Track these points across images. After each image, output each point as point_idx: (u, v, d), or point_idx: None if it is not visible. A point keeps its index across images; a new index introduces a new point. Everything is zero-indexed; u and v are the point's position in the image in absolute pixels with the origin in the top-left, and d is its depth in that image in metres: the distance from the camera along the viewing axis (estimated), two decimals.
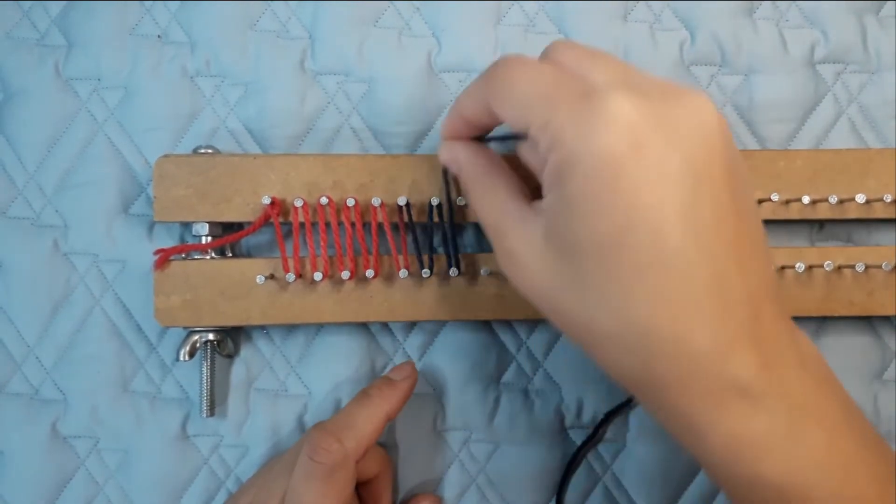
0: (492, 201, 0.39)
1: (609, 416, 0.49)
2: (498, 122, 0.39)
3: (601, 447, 0.50)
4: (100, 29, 0.50)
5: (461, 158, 0.41)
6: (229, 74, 0.51)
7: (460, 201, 0.46)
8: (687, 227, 0.31)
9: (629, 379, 0.34)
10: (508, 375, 0.50)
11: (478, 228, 0.50)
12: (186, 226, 0.49)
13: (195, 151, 0.47)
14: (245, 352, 0.50)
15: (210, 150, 0.47)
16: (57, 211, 0.50)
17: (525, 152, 0.39)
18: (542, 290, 0.35)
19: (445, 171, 0.45)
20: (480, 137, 0.42)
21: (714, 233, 0.32)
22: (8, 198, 0.50)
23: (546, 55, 0.37)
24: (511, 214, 0.37)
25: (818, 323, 0.50)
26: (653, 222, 0.31)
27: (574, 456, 0.49)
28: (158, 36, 0.51)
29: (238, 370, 0.50)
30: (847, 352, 0.50)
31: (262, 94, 0.50)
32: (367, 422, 0.43)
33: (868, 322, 0.50)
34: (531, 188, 0.39)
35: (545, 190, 0.34)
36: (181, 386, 0.50)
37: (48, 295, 0.50)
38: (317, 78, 0.51)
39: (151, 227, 0.50)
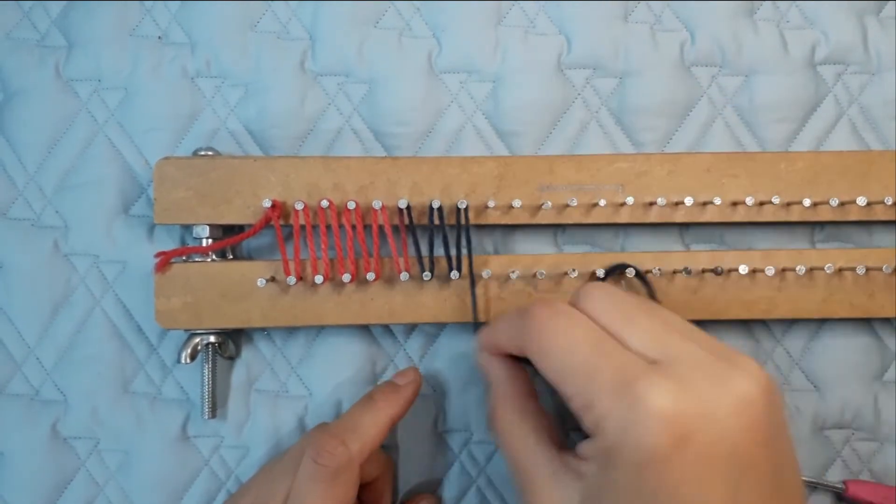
0: (522, 443, 0.39)
1: None
2: None
3: None
4: (100, 30, 0.50)
5: (494, 380, 0.42)
6: (229, 75, 0.51)
7: (461, 204, 0.45)
8: None
9: None
10: None
11: (477, 231, 0.49)
12: (187, 227, 0.49)
13: (195, 153, 0.47)
14: (246, 353, 0.50)
15: (210, 152, 0.47)
16: (57, 212, 0.50)
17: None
18: None
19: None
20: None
21: None
22: (8, 199, 0.50)
23: (580, 301, 0.37)
24: (543, 466, 0.37)
25: (819, 323, 0.50)
26: None
27: None
28: (159, 37, 0.51)
29: (239, 371, 0.50)
30: (847, 353, 0.50)
31: (263, 94, 0.50)
32: (371, 425, 0.43)
33: (868, 323, 0.50)
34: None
35: (585, 453, 0.34)
36: (181, 387, 0.50)
37: (48, 296, 0.50)
38: (317, 79, 0.51)
39: (152, 227, 0.50)
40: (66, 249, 0.50)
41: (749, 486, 0.31)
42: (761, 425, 0.32)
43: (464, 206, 0.45)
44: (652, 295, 0.46)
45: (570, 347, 0.35)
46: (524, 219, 0.47)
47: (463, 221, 0.46)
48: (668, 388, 0.31)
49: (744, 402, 0.31)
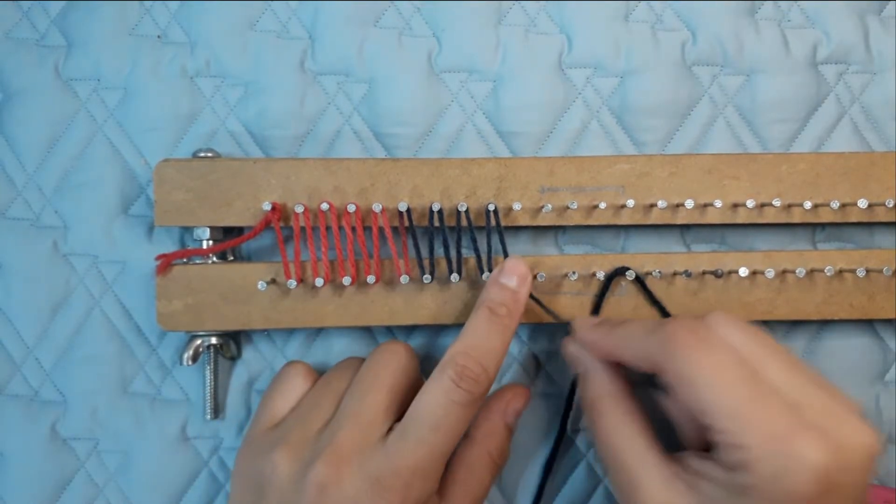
0: (630, 445, 0.40)
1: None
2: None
3: None
4: (99, 29, 0.50)
5: (593, 376, 0.43)
6: (229, 75, 0.50)
7: (461, 207, 0.45)
8: None
9: None
10: (510, 378, 0.50)
11: (479, 232, 0.49)
12: (186, 227, 0.49)
13: (195, 155, 0.47)
14: (246, 353, 0.50)
15: (210, 154, 0.47)
16: (56, 212, 0.50)
17: (677, 412, 0.41)
18: None
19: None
20: None
21: None
22: (7, 198, 0.50)
23: (715, 328, 0.38)
24: (654, 472, 0.38)
25: (820, 323, 0.50)
26: None
27: (558, 440, 0.49)
28: (158, 36, 0.50)
29: (239, 371, 0.50)
30: (848, 353, 0.50)
31: (262, 94, 0.50)
32: (501, 346, 0.42)
33: (869, 324, 0.50)
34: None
35: (712, 475, 0.36)
36: (181, 387, 0.50)
37: (48, 296, 0.49)
38: (317, 78, 0.51)
39: (151, 228, 0.50)
40: (65, 249, 0.49)
41: None
42: (870, 471, 0.35)
43: (464, 209, 0.45)
44: (654, 300, 0.46)
45: (724, 385, 0.35)
46: (525, 220, 0.47)
47: (493, 223, 0.46)
48: (823, 446, 0.33)
49: (869, 454, 0.34)
